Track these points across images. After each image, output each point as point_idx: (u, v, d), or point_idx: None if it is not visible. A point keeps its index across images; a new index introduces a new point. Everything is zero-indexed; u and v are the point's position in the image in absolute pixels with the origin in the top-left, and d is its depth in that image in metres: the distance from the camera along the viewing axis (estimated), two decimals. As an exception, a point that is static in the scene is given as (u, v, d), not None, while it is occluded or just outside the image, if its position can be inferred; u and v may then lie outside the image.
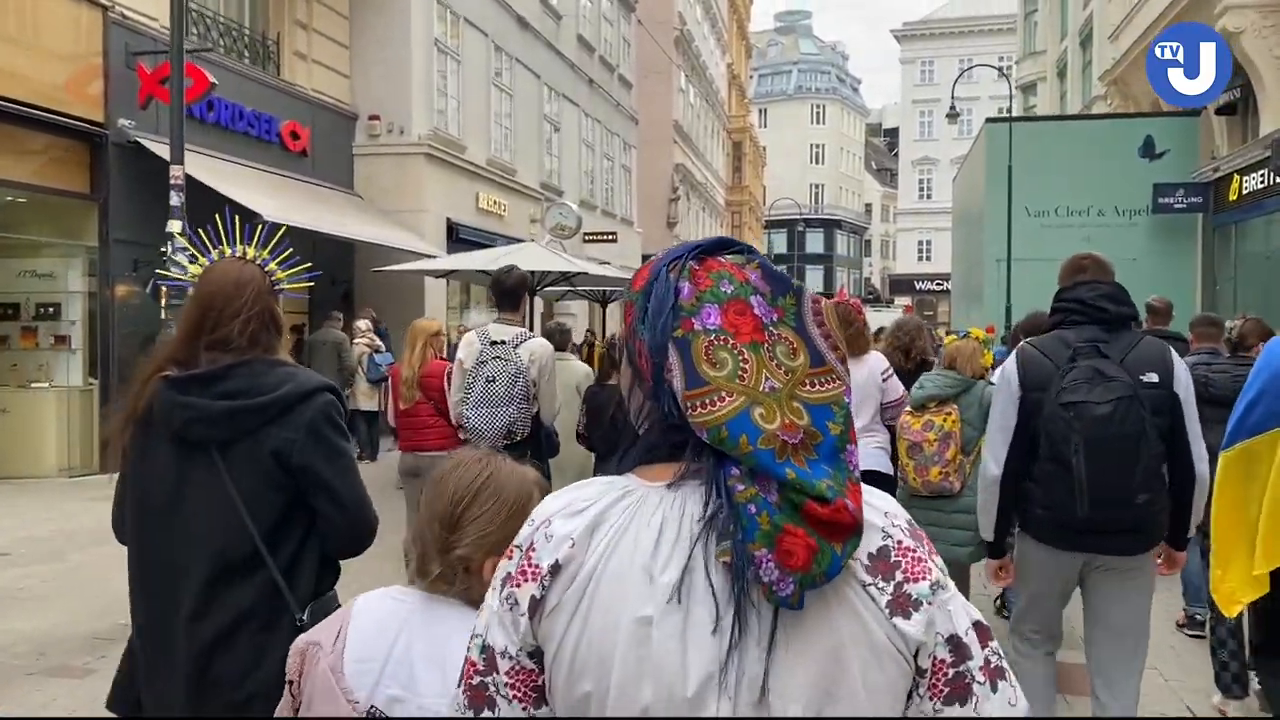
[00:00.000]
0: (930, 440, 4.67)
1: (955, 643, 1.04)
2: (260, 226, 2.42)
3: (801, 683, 0.98)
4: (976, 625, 1.07)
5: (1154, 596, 3.49)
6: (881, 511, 1.06)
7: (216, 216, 2.46)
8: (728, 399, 1.02)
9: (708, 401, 1.02)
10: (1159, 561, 3.41)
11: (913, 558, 1.04)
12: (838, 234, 75.86)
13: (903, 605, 1.01)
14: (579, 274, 10.85)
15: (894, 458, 5.18)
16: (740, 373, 1.03)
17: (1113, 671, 3.37)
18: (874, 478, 4.94)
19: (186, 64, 10.85)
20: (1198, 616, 5.56)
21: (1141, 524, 3.22)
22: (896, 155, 77.18)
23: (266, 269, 2.33)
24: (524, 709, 1.07)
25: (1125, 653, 3.36)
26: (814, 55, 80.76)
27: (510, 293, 5.08)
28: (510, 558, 1.10)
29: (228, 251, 2.35)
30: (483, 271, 10.75)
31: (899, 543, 1.04)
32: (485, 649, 1.09)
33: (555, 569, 1.04)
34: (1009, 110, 25.40)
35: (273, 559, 2.12)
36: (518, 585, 1.07)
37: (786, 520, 0.97)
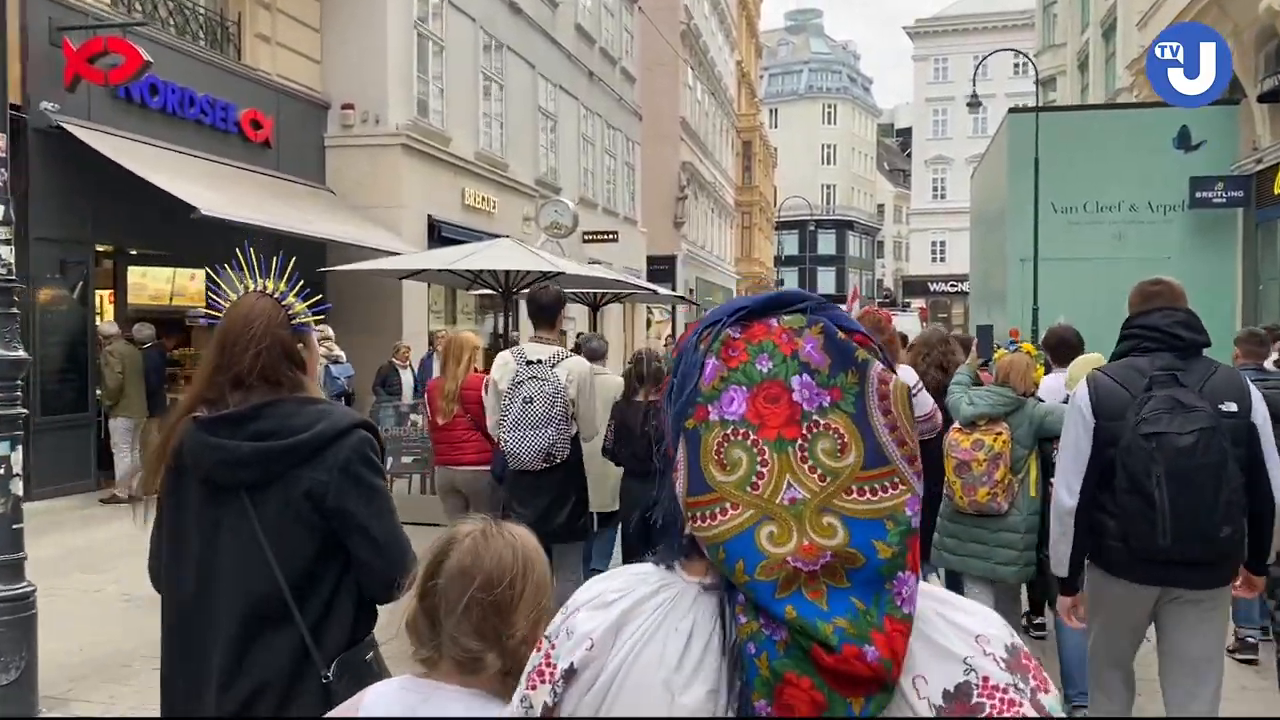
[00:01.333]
0: (979, 460, 4.53)
1: None
2: (275, 258, 2.34)
3: None
4: None
5: None
6: (971, 636, 0.90)
7: (237, 251, 2.45)
8: (732, 512, 0.89)
9: (710, 513, 0.89)
10: (1237, 584, 3.32)
11: (1002, 699, 0.87)
12: (850, 235, 75.07)
13: None
14: (557, 274, 9.58)
15: (928, 474, 4.39)
16: (755, 478, 0.89)
17: (1190, 704, 3.29)
18: None
19: (117, 40, 9.64)
20: (1249, 639, 5.48)
21: (1223, 556, 3.16)
22: (909, 155, 76.28)
23: (283, 302, 2.24)
24: None
25: (1202, 685, 3.29)
26: (825, 54, 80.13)
27: (546, 310, 4.95)
28: (539, 649, 1.01)
29: (251, 286, 2.28)
30: (450, 271, 9.50)
31: (985, 678, 0.88)
32: None
33: (570, 673, 0.95)
34: (1035, 103, 24.08)
35: (306, 606, 2.07)
36: (533, 687, 0.99)
37: (789, 667, 0.84)
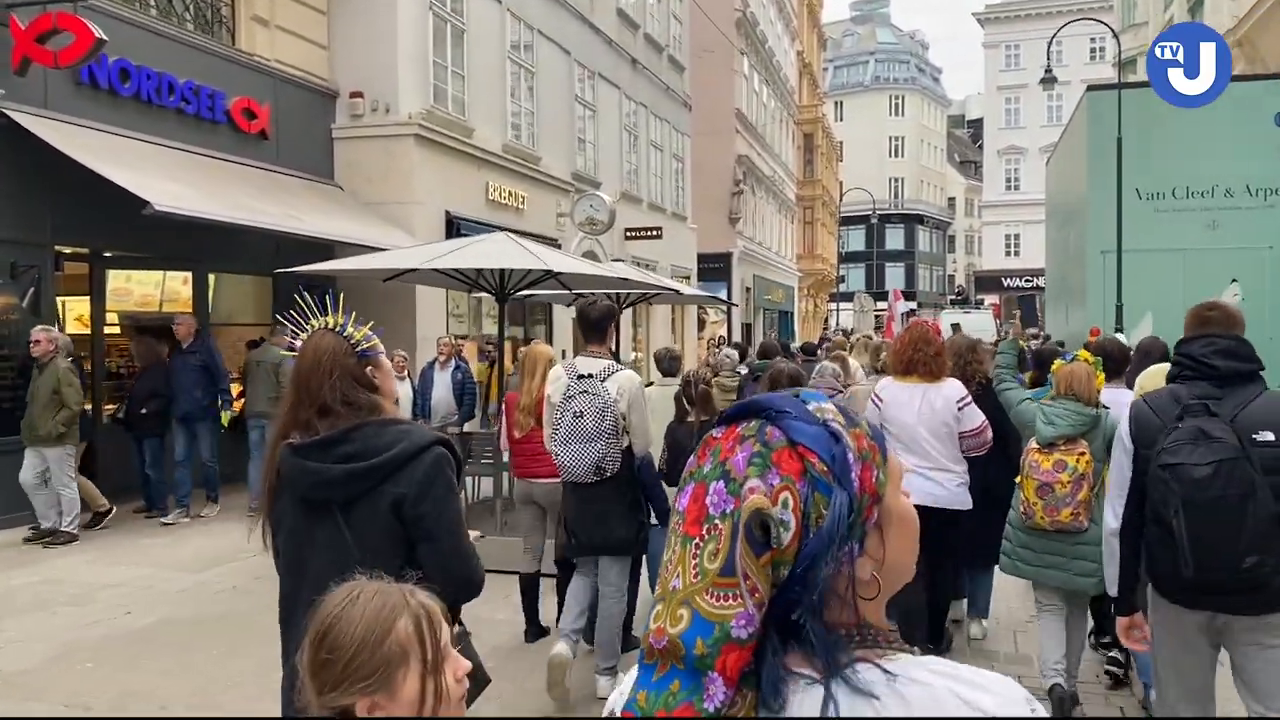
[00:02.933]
0: (1064, 482, 4.48)
1: None
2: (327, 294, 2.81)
3: None
4: None
5: None
6: (984, 717, 0.91)
7: (295, 296, 2.87)
8: (657, 589, 1.01)
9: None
10: None
11: None
12: (919, 229, 73.10)
13: None
14: (551, 274, 8.32)
15: (979, 490, 5.13)
16: (667, 564, 1.00)
17: None
18: (953, 516, 5.02)
19: (67, 17, 8.59)
20: None
21: (1256, 584, 3.01)
22: (980, 146, 73.85)
23: (344, 334, 2.54)
24: None
25: (1271, 714, 3.15)
26: (892, 45, 78.23)
27: (596, 324, 5.01)
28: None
29: (316, 325, 2.57)
30: (439, 271, 8.28)
31: None
32: None
33: None
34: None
35: None
36: None
37: None
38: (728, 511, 0.95)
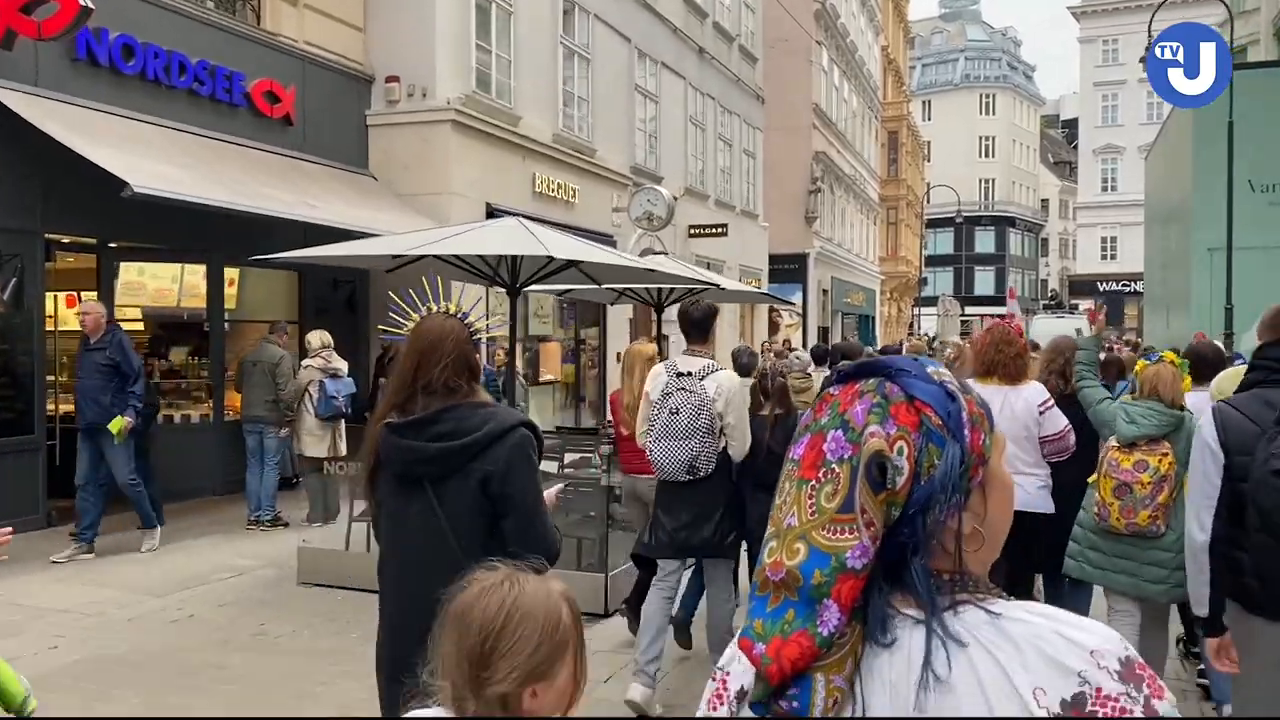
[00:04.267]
0: (1144, 482, 4.34)
1: None
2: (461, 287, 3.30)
3: None
4: None
5: None
6: (1086, 651, 1.00)
7: (423, 279, 3.15)
8: (769, 527, 1.12)
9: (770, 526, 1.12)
10: None
11: (1114, 706, 0.98)
12: (1010, 232, 70.74)
13: None
14: (569, 263, 7.36)
15: (1059, 491, 5.00)
16: (782, 505, 1.11)
17: None
18: (1034, 519, 4.87)
19: (51, -17, 7.92)
20: None
21: None
22: (1075, 147, 71.08)
23: (465, 320, 2.73)
24: None
25: None
26: (982, 42, 76.01)
27: (698, 324, 5.08)
28: (714, 679, 1.16)
29: (433, 308, 2.73)
30: (438, 257, 7.36)
31: (1099, 689, 0.98)
32: None
33: (742, 694, 1.10)
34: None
35: None
36: (714, 707, 1.14)
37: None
38: (845, 457, 1.06)
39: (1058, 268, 75.46)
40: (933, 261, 64.33)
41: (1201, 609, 3.29)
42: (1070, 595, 5.30)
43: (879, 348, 21.94)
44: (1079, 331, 7.58)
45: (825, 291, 33.95)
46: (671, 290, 10.56)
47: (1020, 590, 5.06)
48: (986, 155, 70.31)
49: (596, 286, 8.79)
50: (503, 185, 13.72)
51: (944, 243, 68.61)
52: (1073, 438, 5.04)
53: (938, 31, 77.43)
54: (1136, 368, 4.83)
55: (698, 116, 21.95)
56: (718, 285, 9.18)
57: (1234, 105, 15.71)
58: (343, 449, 9.21)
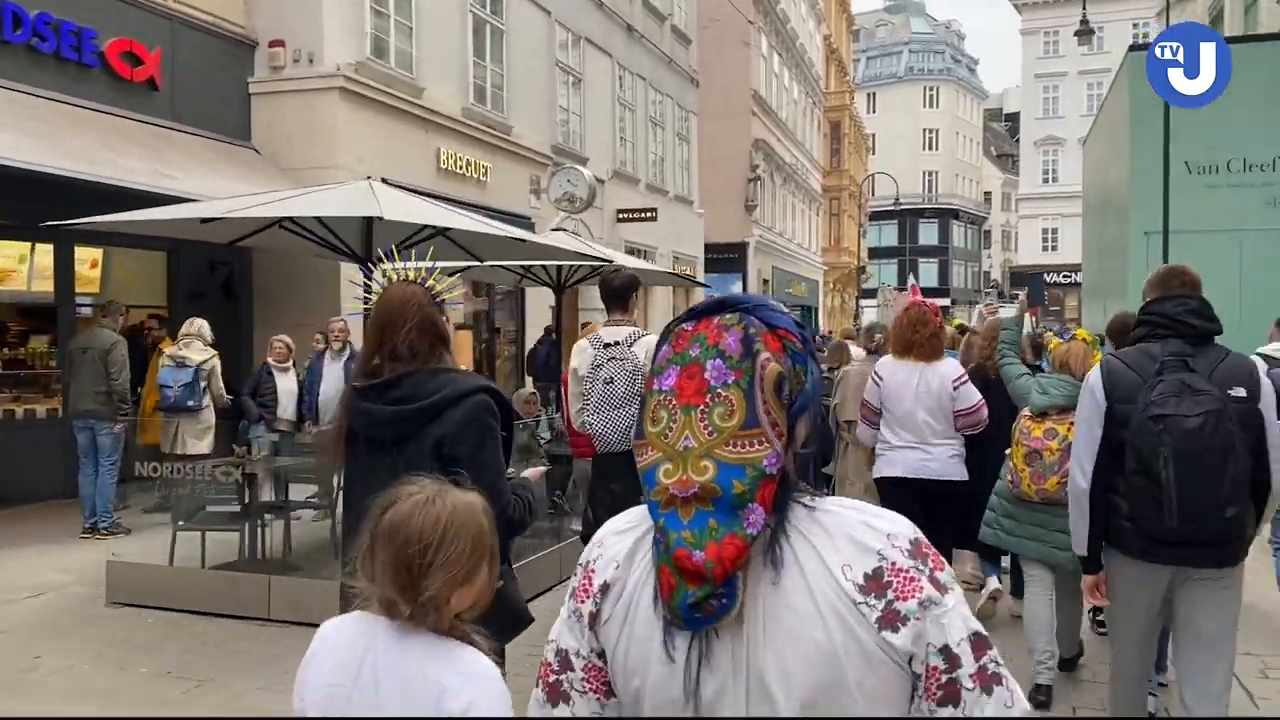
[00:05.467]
0: (1052, 449, 4.50)
1: (947, 652, 1.19)
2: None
3: (803, 683, 1.17)
4: (973, 636, 1.21)
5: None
6: (883, 534, 1.22)
7: (380, 251, 3.16)
8: (650, 453, 1.25)
9: (642, 453, 1.27)
10: None
11: (905, 578, 1.19)
12: (953, 224, 70.84)
13: (891, 620, 1.18)
14: (440, 230, 6.48)
15: (975, 463, 5.27)
16: (667, 431, 1.23)
17: (1202, 681, 3.35)
18: (952, 486, 5.19)
19: None
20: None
21: (1230, 536, 3.22)
22: (1017, 141, 71.33)
23: (427, 285, 2.81)
24: (598, 700, 1.32)
25: (1217, 661, 3.35)
26: (926, 34, 76.01)
27: (618, 294, 5.05)
28: (576, 575, 1.35)
29: (393, 276, 2.84)
30: (285, 228, 6.43)
31: (893, 564, 1.19)
32: (560, 652, 1.35)
33: (605, 588, 1.30)
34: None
35: None
36: (581, 601, 1.32)
37: (661, 560, 1.22)
38: (730, 382, 1.21)
39: (1000, 259, 75.80)
40: (877, 253, 64.13)
41: (1081, 549, 3.49)
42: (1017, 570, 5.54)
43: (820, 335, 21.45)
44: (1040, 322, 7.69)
45: (766, 281, 33.29)
46: (575, 271, 9.72)
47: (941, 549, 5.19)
48: (930, 148, 70.29)
49: (480, 264, 7.87)
50: (401, 160, 12.74)
51: (888, 235, 68.54)
52: (985, 411, 5.24)
53: (882, 24, 77.32)
54: (1051, 345, 5.13)
55: (626, 97, 21.08)
56: (611, 262, 8.32)
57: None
58: (190, 446, 8.23)
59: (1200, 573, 3.27)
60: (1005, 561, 5.97)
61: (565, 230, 10.97)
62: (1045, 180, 62.33)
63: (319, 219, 6.27)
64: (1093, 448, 3.38)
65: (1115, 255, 18.73)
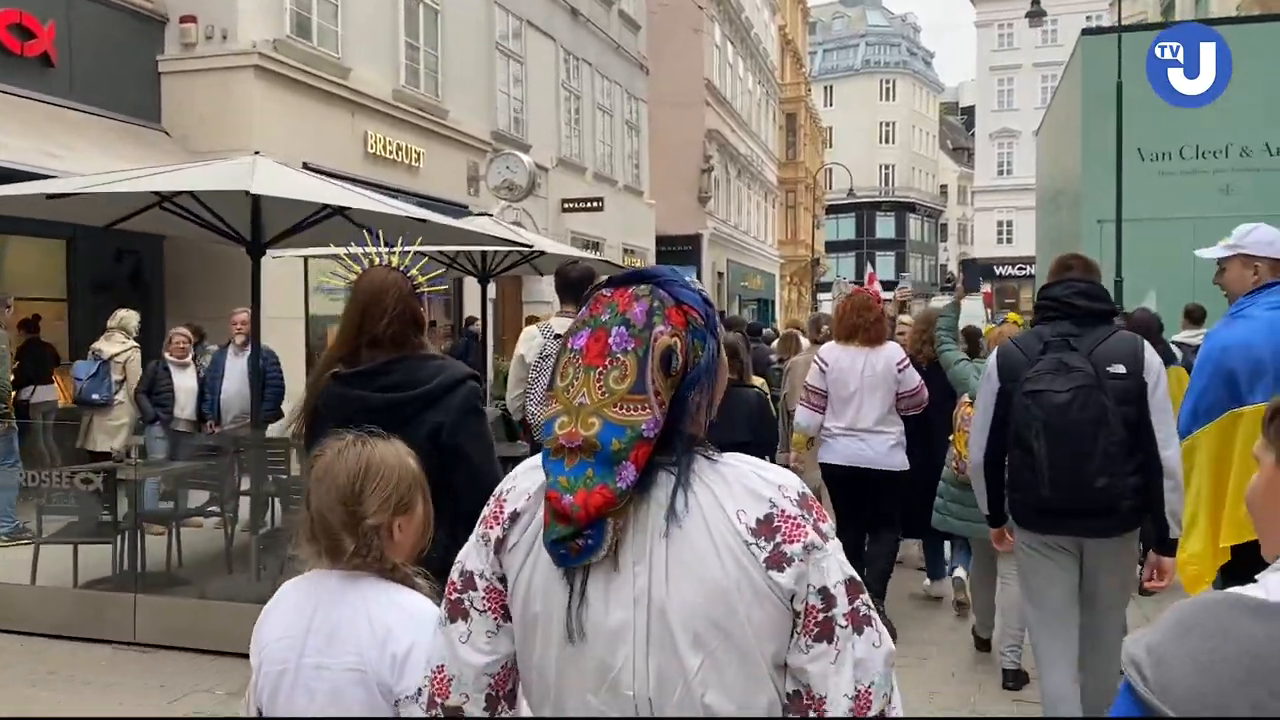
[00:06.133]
0: None
1: (825, 593, 1.31)
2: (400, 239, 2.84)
3: (698, 614, 1.29)
4: (848, 580, 1.34)
5: None
6: (775, 485, 1.34)
7: (365, 233, 3.08)
8: (553, 405, 1.37)
9: (548, 404, 1.38)
10: (1149, 580, 3.45)
11: (792, 523, 1.32)
12: (910, 218, 70.93)
13: (778, 561, 1.30)
14: (338, 210, 5.89)
15: (914, 447, 5.44)
16: (570, 387, 1.35)
17: (1096, 639, 3.51)
18: (894, 476, 5.31)
19: None
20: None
21: (1107, 507, 3.33)
22: (973, 134, 71.54)
23: (408, 274, 2.77)
24: (494, 619, 1.43)
25: (1107, 621, 3.52)
26: (883, 27, 76.09)
27: (573, 286, 5.00)
28: (489, 504, 1.46)
29: (376, 261, 2.78)
30: (163, 208, 5.81)
31: (782, 511, 1.32)
32: (465, 573, 1.45)
33: (515, 516, 1.41)
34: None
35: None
36: (490, 526, 1.43)
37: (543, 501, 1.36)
38: (629, 349, 1.32)
39: (956, 252, 76.06)
40: (834, 247, 64.09)
41: (985, 509, 3.76)
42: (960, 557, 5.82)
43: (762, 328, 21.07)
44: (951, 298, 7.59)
45: (720, 274, 32.86)
46: (501, 259, 9.15)
47: (878, 547, 5.51)
48: (887, 141, 70.30)
49: (393, 249, 7.27)
50: (325, 144, 12.08)
51: (845, 228, 68.53)
52: (926, 393, 5.39)
53: (839, 16, 77.27)
54: (985, 330, 5.26)
55: (572, 83, 20.49)
56: (530, 247, 7.77)
57: (1123, 70, 14.90)
58: (101, 443, 7.65)
59: (1102, 543, 3.45)
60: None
61: (490, 215, 10.39)
62: (1000, 173, 62.54)
63: (193, 195, 5.65)
64: (986, 425, 3.59)
65: (1068, 245, 18.42)
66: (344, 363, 2.69)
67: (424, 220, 5.94)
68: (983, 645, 5.17)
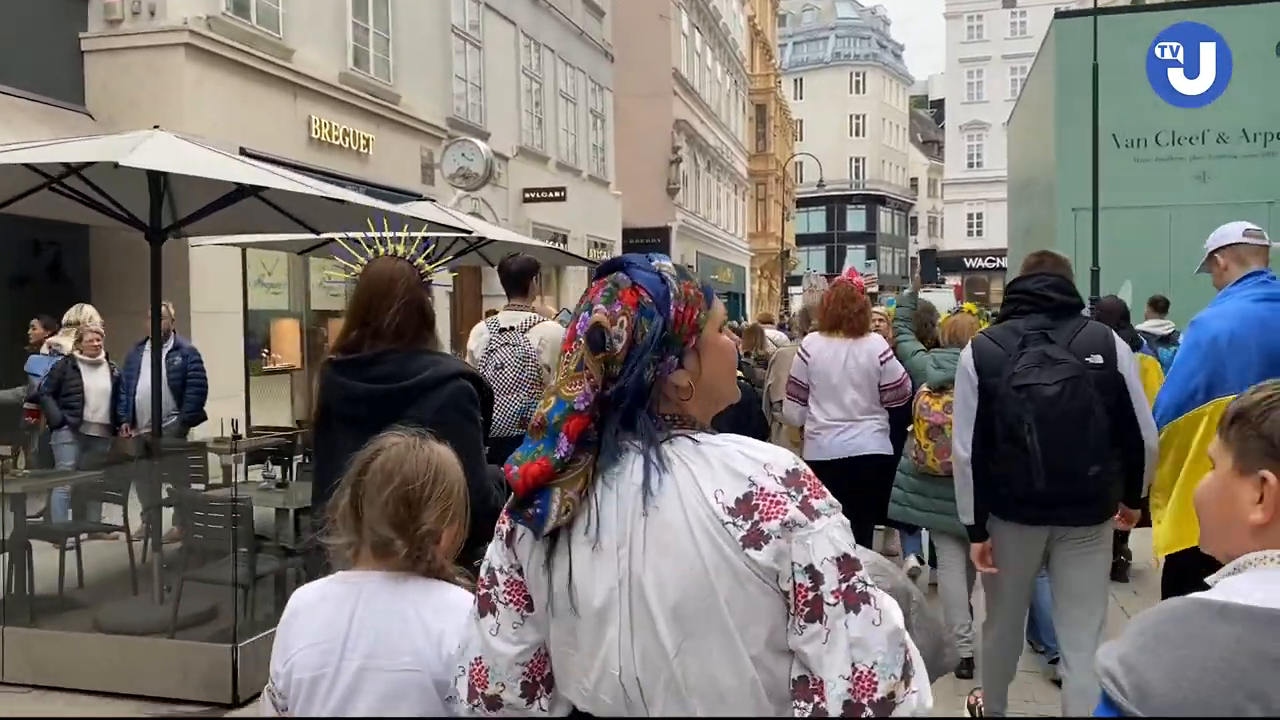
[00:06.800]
0: (952, 423, 4.41)
1: (811, 571, 1.28)
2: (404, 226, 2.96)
3: (675, 595, 1.30)
4: (841, 557, 1.29)
5: None
6: (759, 463, 1.33)
7: (369, 221, 3.16)
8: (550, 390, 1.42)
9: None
10: (1117, 517, 3.59)
11: (771, 501, 1.30)
12: (880, 211, 70.68)
13: (755, 539, 1.28)
14: (252, 190, 5.28)
15: (898, 436, 5.41)
16: (560, 371, 1.43)
17: (1076, 633, 3.54)
18: (874, 460, 5.25)
19: None
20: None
21: (1096, 495, 3.42)
22: (943, 127, 71.46)
23: (415, 264, 2.72)
24: (518, 610, 1.46)
25: (1090, 615, 3.54)
26: (852, 20, 75.63)
27: (515, 278, 5.06)
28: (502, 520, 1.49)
29: (383, 251, 2.72)
30: (54, 189, 5.16)
31: (762, 489, 1.30)
32: (489, 569, 1.49)
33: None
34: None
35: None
36: (502, 521, 1.47)
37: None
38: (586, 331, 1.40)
39: (927, 245, 76.07)
40: (805, 240, 63.82)
41: (967, 518, 3.63)
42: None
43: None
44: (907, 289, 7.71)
45: (690, 267, 32.16)
46: (444, 248, 8.53)
47: (864, 529, 5.46)
48: (857, 134, 70.04)
49: (313, 234, 6.66)
50: (264, 128, 11.40)
51: (816, 221, 68.26)
52: (909, 385, 5.31)
53: (808, 9, 76.91)
54: (940, 320, 5.21)
55: (533, 69, 19.84)
56: (470, 232, 7.18)
57: (1098, 53, 14.50)
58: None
59: (1071, 532, 3.51)
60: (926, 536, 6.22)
61: (433, 201, 9.76)
62: (970, 165, 62.49)
63: (82, 177, 5.01)
64: (969, 420, 3.58)
65: (1041, 236, 18.11)
66: (346, 350, 2.67)
67: (342, 201, 5.32)
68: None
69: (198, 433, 7.83)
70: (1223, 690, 1.02)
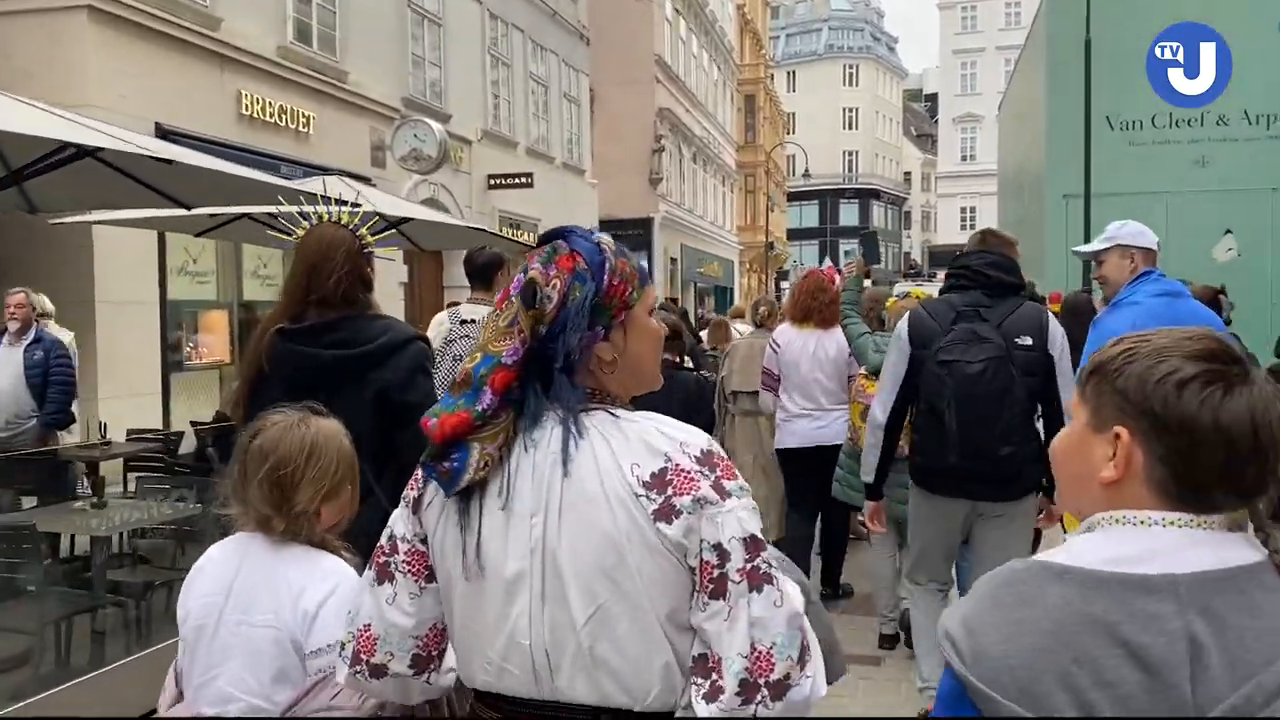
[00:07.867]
0: None
1: (719, 549, 1.31)
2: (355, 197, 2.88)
3: (588, 563, 1.32)
4: (748, 537, 1.33)
5: None
6: (676, 441, 1.36)
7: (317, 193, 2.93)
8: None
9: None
10: (1040, 516, 3.70)
11: (685, 478, 1.33)
12: (874, 205, 70.05)
13: (666, 513, 1.31)
14: (88, 151, 4.41)
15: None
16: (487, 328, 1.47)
17: None
18: (836, 452, 5.35)
19: None
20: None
21: (1009, 474, 3.49)
22: (936, 121, 70.83)
23: (358, 234, 2.71)
24: (416, 581, 1.48)
25: None
26: (846, 11, 74.98)
27: (480, 272, 5.09)
28: (414, 479, 1.51)
29: (325, 217, 2.70)
30: None
31: (677, 465, 1.34)
32: (391, 537, 1.51)
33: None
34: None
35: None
36: (410, 488, 1.50)
37: None
38: (518, 292, 1.43)
39: (920, 239, 75.53)
40: (797, 234, 63.14)
41: (869, 476, 3.86)
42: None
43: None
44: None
45: (674, 260, 31.48)
46: (366, 228, 7.60)
47: (834, 523, 5.74)
48: (850, 127, 69.48)
49: (182, 210, 5.76)
50: (185, 103, 10.47)
51: (809, 215, 67.64)
52: (866, 367, 5.35)
53: (801, 1, 76.24)
54: (888, 304, 5.38)
55: (500, 50, 18.92)
56: (360, 206, 6.26)
57: (1090, 29, 13.64)
58: None
59: (988, 508, 3.58)
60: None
61: (337, 173, 8.85)
62: (964, 159, 61.99)
63: None
64: (895, 386, 3.66)
65: (1031, 226, 17.30)
66: (291, 322, 2.62)
67: (170, 162, 4.43)
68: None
69: (67, 437, 6.95)
70: (1050, 654, 1.01)
